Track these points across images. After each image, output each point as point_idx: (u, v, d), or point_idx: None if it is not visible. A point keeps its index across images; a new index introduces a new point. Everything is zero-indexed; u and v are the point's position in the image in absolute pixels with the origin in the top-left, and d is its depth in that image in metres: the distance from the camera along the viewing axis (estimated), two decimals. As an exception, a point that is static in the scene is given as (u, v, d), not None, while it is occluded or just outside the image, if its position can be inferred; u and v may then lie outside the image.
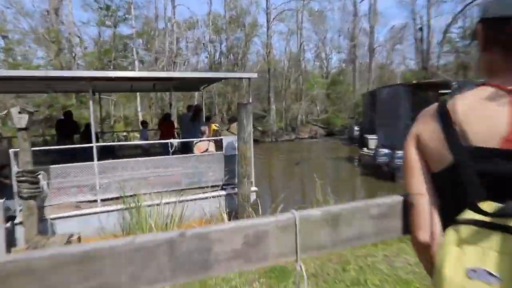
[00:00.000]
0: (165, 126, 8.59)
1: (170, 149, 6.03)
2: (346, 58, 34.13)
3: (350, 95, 27.64)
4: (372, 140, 15.31)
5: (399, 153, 9.46)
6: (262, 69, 27.10)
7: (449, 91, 9.94)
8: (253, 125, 25.57)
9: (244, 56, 26.11)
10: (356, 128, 18.35)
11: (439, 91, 11.40)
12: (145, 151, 8.06)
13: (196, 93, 23.20)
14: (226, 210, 5.97)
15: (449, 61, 28.52)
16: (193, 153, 6.33)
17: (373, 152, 10.66)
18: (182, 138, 8.48)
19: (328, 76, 32.47)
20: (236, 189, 5.95)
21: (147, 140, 8.24)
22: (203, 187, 5.86)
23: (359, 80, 28.83)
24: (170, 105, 21.37)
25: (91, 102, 5.28)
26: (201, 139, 6.55)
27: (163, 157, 5.90)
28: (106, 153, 7.98)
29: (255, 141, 22.73)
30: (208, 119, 9.05)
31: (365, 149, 12.41)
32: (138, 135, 18.71)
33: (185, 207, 5.17)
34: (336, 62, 46.32)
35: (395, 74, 32.18)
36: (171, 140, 6.04)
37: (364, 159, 11.95)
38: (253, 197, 6.27)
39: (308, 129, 24.99)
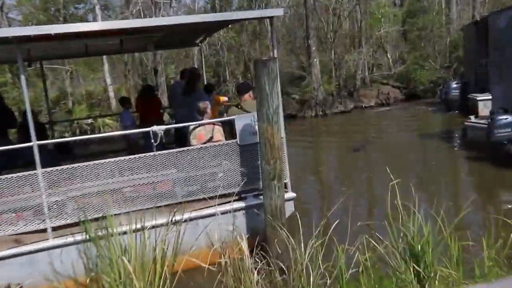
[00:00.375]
0: (145, 105, 8.57)
1: (153, 140, 5.95)
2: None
3: (442, 30, 26.41)
4: (484, 102, 14.90)
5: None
6: (295, 2, 26.55)
7: None
8: (286, 91, 25.62)
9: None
10: (454, 84, 18.13)
11: None
12: (132, 147, 7.96)
13: (196, 50, 23.28)
14: (246, 234, 5.93)
15: None
16: (189, 145, 6.26)
17: (486, 121, 10.14)
18: (175, 122, 8.49)
19: (404, 1, 31.19)
20: (261, 198, 5.86)
21: (133, 127, 8.07)
22: (209, 198, 5.82)
23: (458, 3, 27.51)
24: (155, 71, 21.62)
25: (22, 77, 5.25)
26: (201, 122, 6.43)
27: (141, 155, 5.82)
28: (65, 153, 8.09)
29: (291, 116, 23.34)
30: (210, 89, 9.02)
31: (472, 118, 11.90)
32: (114, 122, 19.05)
33: (182, 232, 5.10)
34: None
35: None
36: (154, 128, 5.94)
37: (472, 134, 11.47)
38: (289, 208, 6.29)
39: (374, 92, 24.43)
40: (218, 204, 5.86)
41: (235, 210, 5.98)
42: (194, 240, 5.43)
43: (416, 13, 29.04)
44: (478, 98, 15.30)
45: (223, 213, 5.39)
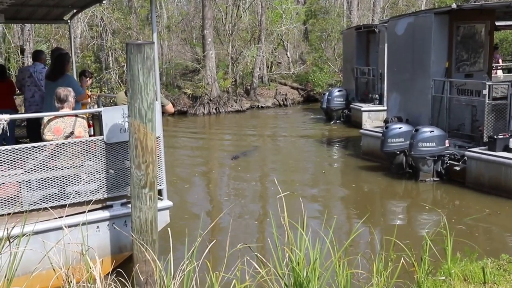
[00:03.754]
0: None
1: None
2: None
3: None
4: (369, 113, 15.64)
5: (426, 131, 9.32)
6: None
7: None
8: (177, 85, 24.89)
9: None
10: (337, 91, 17.79)
11: (494, 22, 11.47)
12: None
13: (79, 31, 21.69)
14: (110, 251, 5.53)
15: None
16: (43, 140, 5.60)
17: (382, 130, 10.45)
18: (29, 111, 7.67)
19: (306, 0, 32.12)
20: (130, 207, 5.37)
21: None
22: (66, 206, 5.22)
23: (359, 8, 28.89)
24: (21, 50, 19.72)
25: None
26: (60, 113, 5.70)
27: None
28: None
29: (182, 113, 22.74)
30: (82, 74, 8.58)
31: (367, 125, 12.29)
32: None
33: (25, 249, 4.37)
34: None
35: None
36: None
37: (367, 143, 11.88)
38: (164, 219, 5.95)
39: (272, 92, 24.68)
40: (72, 214, 5.34)
41: (99, 221, 5.58)
42: (38, 260, 4.69)
43: (317, 13, 30.02)
44: (362, 109, 16.04)
45: (84, 224, 4.70)
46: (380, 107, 15.76)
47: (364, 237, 6.87)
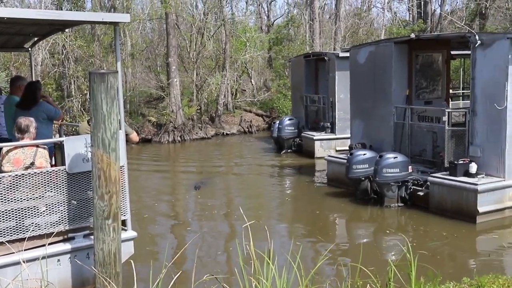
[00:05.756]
0: None
1: None
2: (298, 0, 34.85)
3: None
4: (321, 142, 15.70)
5: (390, 157, 9.52)
6: (158, 15, 26.15)
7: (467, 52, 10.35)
8: (141, 113, 24.50)
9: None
10: (287, 120, 17.34)
11: (450, 52, 11.99)
12: None
13: (40, 58, 21.32)
14: (72, 285, 5.41)
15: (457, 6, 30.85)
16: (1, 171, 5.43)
17: (345, 157, 10.62)
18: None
19: (270, 28, 32.72)
20: (92, 239, 5.28)
21: None
22: (25, 240, 5.09)
23: (321, 36, 29.57)
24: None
25: None
26: (21, 143, 5.58)
27: None
28: None
29: (146, 141, 22.49)
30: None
31: (332, 152, 12.46)
32: None
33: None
34: (283, 6, 47.15)
35: (377, 25, 33.86)
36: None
37: (333, 169, 11.98)
38: (128, 250, 5.84)
39: (237, 119, 24.80)
40: (32, 248, 5.18)
41: (60, 254, 5.43)
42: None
43: (282, 40, 30.56)
44: (314, 137, 15.94)
45: (34, 259, 4.59)
46: (332, 136, 15.80)
47: (331, 264, 6.91)
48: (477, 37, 8.96)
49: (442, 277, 4.95)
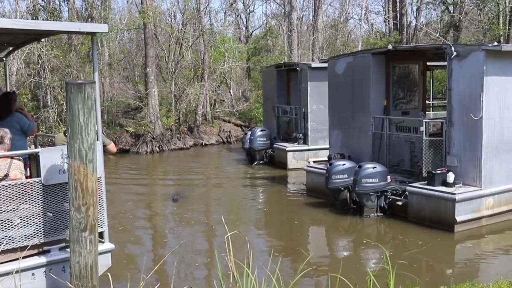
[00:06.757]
0: None
1: None
2: (276, 11, 35.16)
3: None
4: (294, 153, 15.68)
5: (369, 167, 9.60)
6: (136, 25, 26.06)
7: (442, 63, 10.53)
8: (119, 123, 24.32)
9: (105, 1, 24.71)
10: (259, 131, 17.13)
11: (426, 63, 12.21)
12: None
13: (15, 68, 21.02)
14: None
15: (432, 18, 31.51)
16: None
17: (325, 168, 10.68)
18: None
19: (249, 39, 32.91)
20: (69, 252, 5.19)
21: None
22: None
23: (299, 47, 29.82)
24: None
25: None
26: (-6, 154, 5.48)
27: None
28: None
29: (124, 151, 22.28)
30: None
31: (311, 162, 12.49)
32: None
33: None
34: (262, 17, 47.50)
35: (354, 36, 34.30)
36: None
37: (312, 179, 12.04)
38: (105, 263, 5.77)
39: (216, 129, 24.80)
40: (5, 262, 5.09)
41: (33, 268, 5.28)
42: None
43: (260, 51, 30.74)
44: (287, 149, 15.80)
45: (7, 273, 4.50)
46: (305, 147, 15.67)
47: (310, 275, 6.92)
48: (453, 48, 9.14)
49: (420, 286, 5.00)
